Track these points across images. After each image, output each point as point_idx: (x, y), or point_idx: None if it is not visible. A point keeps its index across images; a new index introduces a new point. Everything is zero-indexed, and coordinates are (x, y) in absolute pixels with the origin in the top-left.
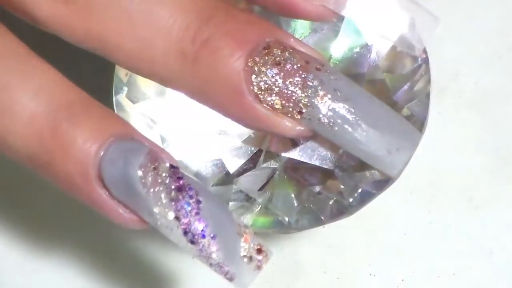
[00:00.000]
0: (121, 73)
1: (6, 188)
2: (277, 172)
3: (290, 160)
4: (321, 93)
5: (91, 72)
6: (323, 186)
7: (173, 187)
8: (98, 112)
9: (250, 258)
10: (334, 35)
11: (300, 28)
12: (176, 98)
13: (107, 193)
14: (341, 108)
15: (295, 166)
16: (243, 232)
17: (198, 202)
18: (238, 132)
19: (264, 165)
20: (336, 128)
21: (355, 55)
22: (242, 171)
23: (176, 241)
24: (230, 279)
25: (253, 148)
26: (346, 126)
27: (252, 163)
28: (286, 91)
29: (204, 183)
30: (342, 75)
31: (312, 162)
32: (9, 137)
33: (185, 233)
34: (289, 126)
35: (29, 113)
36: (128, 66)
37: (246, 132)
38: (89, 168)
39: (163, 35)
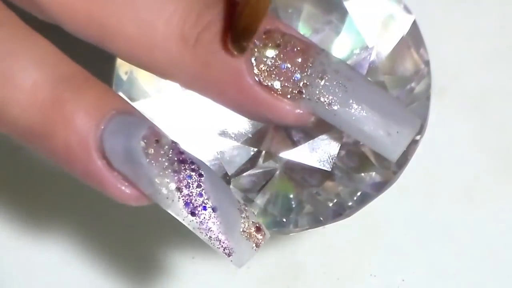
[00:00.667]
0: (121, 71)
1: (6, 188)
2: (276, 172)
3: (290, 160)
4: (321, 73)
5: (90, 71)
6: (322, 187)
7: (175, 159)
8: (100, 86)
9: (250, 235)
10: (335, 35)
11: (302, 28)
12: (176, 97)
13: (106, 165)
14: (341, 88)
15: (294, 167)
16: (243, 209)
17: (200, 175)
18: (238, 133)
19: (264, 165)
20: (335, 108)
21: (355, 56)
22: (240, 172)
23: (175, 213)
24: (228, 254)
25: (252, 149)
26: (345, 106)
27: (251, 164)
28: (285, 71)
29: None
30: (342, 60)
31: (310, 164)
32: (9, 106)
33: (186, 204)
34: (288, 109)
35: (31, 81)
36: (128, 54)
37: (246, 132)
38: (90, 138)
39: (165, 18)
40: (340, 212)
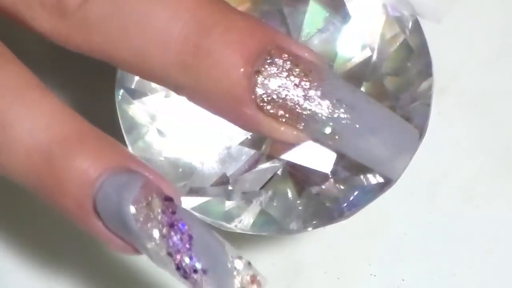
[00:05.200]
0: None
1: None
2: (276, 173)
3: (290, 161)
4: (323, 104)
5: (96, 65)
6: (322, 188)
7: (165, 223)
8: (93, 144)
9: None
10: (339, 35)
11: (307, 27)
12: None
13: (103, 225)
14: (344, 118)
15: (295, 168)
16: (236, 265)
17: (190, 237)
18: (239, 133)
19: (264, 166)
20: (338, 138)
21: (358, 57)
22: (241, 172)
23: (171, 274)
24: None
25: (252, 149)
26: (348, 136)
27: (251, 164)
28: (289, 103)
29: (203, 181)
30: (344, 82)
31: (309, 166)
32: (10, 173)
33: (178, 268)
34: (290, 134)
35: (26, 148)
36: (132, 73)
37: (246, 133)
38: (86, 202)
39: (161, 46)
40: (340, 213)
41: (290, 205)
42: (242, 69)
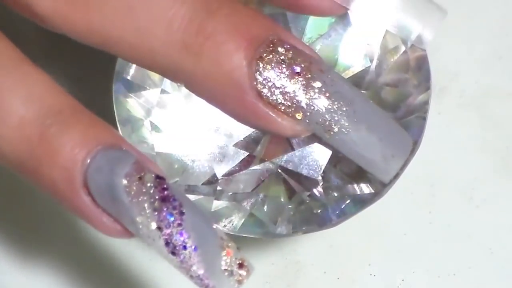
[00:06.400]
0: (121, 61)
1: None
2: (268, 176)
3: (283, 165)
4: (322, 95)
5: (94, 57)
6: (311, 194)
7: (157, 197)
8: (87, 119)
9: (231, 272)
10: (340, 43)
11: (309, 32)
12: (175, 91)
13: (91, 201)
14: (341, 111)
15: (287, 172)
16: (225, 246)
17: (181, 213)
18: (233, 133)
19: (256, 168)
20: (335, 131)
21: (358, 65)
22: (232, 173)
23: (157, 251)
24: None
25: (245, 151)
26: (344, 129)
27: (243, 166)
28: (289, 91)
29: (194, 179)
30: (344, 78)
31: (299, 171)
32: (0, 143)
33: (167, 243)
34: (287, 125)
35: (18, 118)
36: (129, 58)
37: (241, 133)
38: (75, 175)
39: (164, 25)
40: (328, 220)
41: (280, 209)
42: (244, 53)
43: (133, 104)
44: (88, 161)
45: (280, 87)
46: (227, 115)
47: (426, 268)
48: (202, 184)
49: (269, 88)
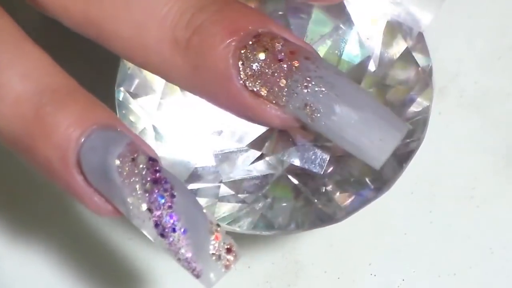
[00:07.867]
0: (125, 66)
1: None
2: (275, 176)
3: (289, 165)
4: (305, 80)
5: (97, 63)
6: (320, 191)
7: (149, 178)
8: (84, 99)
9: (219, 257)
10: (342, 43)
11: (310, 33)
12: (177, 96)
13: (83, 180)
14: (324, 95)
15: (293, 171)
16: (214, 230)
17: (172, 196)
18: (237, 135)
19: (263, 169)
20: (318, 115)
21: (360, 65)
22: (237, 175)
23: (147, 232)
24: (197, 276)
25: (249, 152)
26: (327, 114)
27: (249, 167)
28: (271, 77)
29: (200, 184)
30: (331, 65)
31: (301, 165)
32: None
33: (156, 225)
34: (273, 113)
35: (15, 95)
36: (124, 54)
37: (245, 135)
38: (69, 153)
39: (158, 21)
40: (333, 216)
41: (288, 208)
42: (229, 43)
43: (135, 110)
44: (82, 140)
45: (263, 74)
46: (228, 117)
47: (427, 268)
48: (207, 187)
49: (252, 76)
